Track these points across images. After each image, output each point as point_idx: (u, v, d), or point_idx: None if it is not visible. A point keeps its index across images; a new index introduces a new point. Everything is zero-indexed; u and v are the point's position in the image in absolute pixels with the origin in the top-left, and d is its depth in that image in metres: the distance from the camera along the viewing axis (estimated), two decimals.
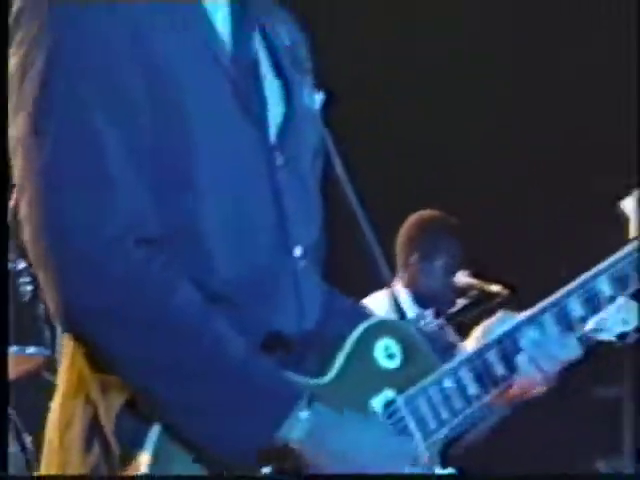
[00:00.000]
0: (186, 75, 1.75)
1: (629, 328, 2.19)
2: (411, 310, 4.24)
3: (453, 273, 4.45)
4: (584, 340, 1.96)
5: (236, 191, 1.82)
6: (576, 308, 1.96)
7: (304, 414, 1.72)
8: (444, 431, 1.86)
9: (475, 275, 4.40)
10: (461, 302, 4.40)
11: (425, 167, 5.94)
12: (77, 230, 1.69)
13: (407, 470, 1.78)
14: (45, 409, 3.52)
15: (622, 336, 2.13)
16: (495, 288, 4.29)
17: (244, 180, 1.82)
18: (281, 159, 1.83)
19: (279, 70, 1.89)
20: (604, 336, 2.03)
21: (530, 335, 1.92)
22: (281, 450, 1.73)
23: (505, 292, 4.25)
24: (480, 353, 1.91)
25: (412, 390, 1.85)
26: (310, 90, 1.94)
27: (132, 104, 1.70)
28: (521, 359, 1.91)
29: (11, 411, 3.93)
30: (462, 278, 4.37)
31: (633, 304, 2.07)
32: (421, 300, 4.36)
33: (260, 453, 1.71)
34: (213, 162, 1.78)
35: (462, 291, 4.41)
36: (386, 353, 1.88)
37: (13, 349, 3.81)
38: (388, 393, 1.85)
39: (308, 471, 1.75)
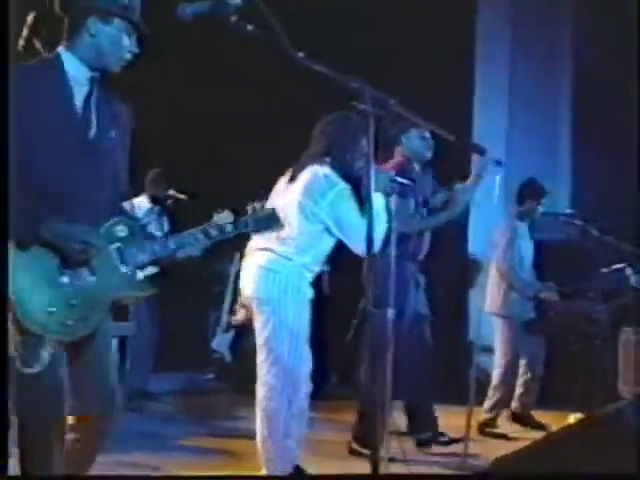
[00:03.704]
0: (47, 124, 3.05)
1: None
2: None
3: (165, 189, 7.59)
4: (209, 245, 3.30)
5: (70, 163, 3.08)
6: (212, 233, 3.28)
7: (95, 255, 3.09)
8: (145, 261, 3.21)
9: (178, 191, 7.61)
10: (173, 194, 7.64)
11: None
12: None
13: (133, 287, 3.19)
14: None
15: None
16: (181, 196, 7.58)
17: (76, 156, 3.09)
18: (94, 150, 3.13)
19: (99, 120, 3.16)
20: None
21: (190, 239, 3.26)
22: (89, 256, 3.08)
23: (184, 197, 7.51)
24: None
25: (135, 250, 3.18)
26: (116, 130, 3.22)
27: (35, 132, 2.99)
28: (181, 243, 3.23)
29: None
30: (171, 192, 7.65)
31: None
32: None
33: (81, 254, 3.06)
34: (59, 151, 3.05)
35: (170, 197, 7.64)
36: (118, 237, 3.19)
37: None
38: (119, 254, 3.19)
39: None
